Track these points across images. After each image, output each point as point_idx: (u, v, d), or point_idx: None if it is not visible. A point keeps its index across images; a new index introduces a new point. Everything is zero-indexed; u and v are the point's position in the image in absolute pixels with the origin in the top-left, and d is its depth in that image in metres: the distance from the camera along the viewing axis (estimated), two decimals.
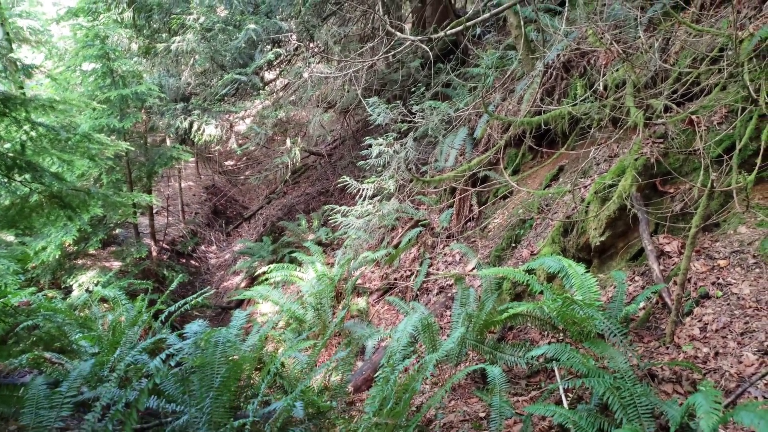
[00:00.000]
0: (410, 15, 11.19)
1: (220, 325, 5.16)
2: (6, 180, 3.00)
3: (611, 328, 3.09)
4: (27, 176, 2.96)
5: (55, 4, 8.39)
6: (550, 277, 4.37)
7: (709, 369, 2.85)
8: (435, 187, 7.05)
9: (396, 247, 6.97)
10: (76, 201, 3.29)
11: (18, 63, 7.39)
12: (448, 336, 4.55)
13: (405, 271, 6.80)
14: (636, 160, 3.85)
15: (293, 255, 8.12)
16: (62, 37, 8.33)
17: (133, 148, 6.48)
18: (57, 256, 6.60)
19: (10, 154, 2.86)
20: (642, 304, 3.55)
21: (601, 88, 4.68)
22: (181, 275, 6.69)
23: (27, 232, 3.81)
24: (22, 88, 7.46)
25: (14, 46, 9.11)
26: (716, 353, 2.91)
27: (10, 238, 6.22)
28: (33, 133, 3.13)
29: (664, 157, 3.79)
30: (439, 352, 3.00)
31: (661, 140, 3.97)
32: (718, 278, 3.35)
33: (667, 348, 3.15)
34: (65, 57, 7.07)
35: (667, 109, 4.00)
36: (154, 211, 10.65)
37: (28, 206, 3.14)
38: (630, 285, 3.80)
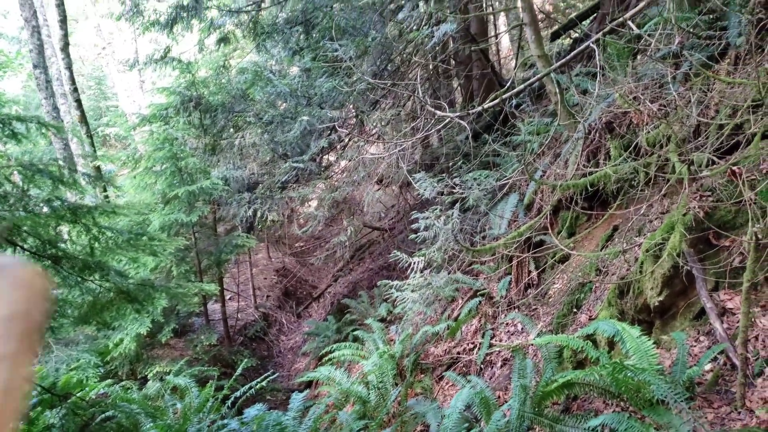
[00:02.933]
0: (459, 90, 11.58)
1: (288, 409, 5.23)
2: (80, 279, 3.35)
3: (671, 394, 2.92)
4: (96, 275, 3.29)
5: (135, 114, 9.41)
6: (611, 343, 4.18)
7: None
8: (492, 255, 6.99)
9: (456, 319, 6.87)
10: (142, 295, 3.58)
11: (101, 170, 8.25)
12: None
13: (468, 344, 6.65)
14: (684, 215, 3.74)
15: (355, 333, 8.16)
16: (141, 141, 9.26)
17: (190, 241, 6.89)
18: (134, 348, 6.96)
19: (81, 257, 3.22)
20: (708, 366, 3.33)
21: (644, 145, 4.63)
22: (246, 360, 6.87)
23: (101, 327, 4.13)
24: (105, 191, 8.28)
25: (100, 153, 10.19)
26: None
27: (91, 332, 6.64)
28: (100, 237, 3.49)
29: (714, 211, 3.67)
30: (489, 426, 2.93)
31: (710, 194, 3.85)
32: None
33: (739, 413, 2.92)
34: (140, 161, 7.83)
35: (712, 162, 3.90)
36: (228, 297, 11.11)
37: (98, 302, 3.46)
38: (695, 346, 3.59)
